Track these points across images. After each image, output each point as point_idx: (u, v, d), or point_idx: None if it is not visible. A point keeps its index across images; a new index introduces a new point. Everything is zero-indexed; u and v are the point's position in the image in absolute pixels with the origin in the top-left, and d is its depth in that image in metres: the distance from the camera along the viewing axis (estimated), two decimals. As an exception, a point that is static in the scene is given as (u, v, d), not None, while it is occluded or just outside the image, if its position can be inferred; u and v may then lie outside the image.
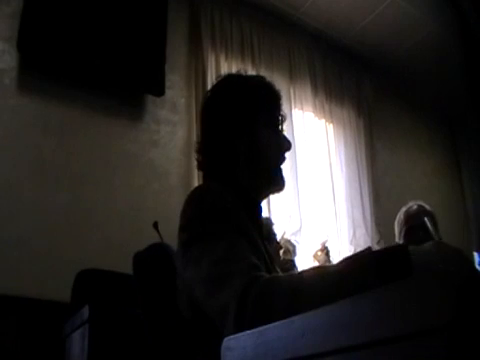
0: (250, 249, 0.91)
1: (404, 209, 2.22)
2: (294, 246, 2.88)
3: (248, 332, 0.62)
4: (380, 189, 3.82)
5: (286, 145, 1.14)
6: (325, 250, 3.08)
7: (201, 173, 1.20)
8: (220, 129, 1.11)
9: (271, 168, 1.12)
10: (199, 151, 1.16)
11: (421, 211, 2.15)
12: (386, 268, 0.67)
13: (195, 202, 1.00)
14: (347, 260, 0.77)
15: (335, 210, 3.47)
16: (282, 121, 1.18)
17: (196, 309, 0.93)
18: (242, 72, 1.26)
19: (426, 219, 2.05)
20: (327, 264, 2.51)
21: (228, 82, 1.19)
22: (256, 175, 1.10)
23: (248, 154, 1.09)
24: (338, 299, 0.48)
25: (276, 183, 1.13)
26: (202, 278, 0.87)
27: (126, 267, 1.30)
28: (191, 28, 3.18)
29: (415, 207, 2.19)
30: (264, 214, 1.46)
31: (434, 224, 2.09)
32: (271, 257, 1.08)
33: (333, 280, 0.73)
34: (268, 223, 2.55)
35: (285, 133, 1.19)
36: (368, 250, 0.78)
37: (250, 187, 1.10)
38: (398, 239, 2.19)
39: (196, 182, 2.81)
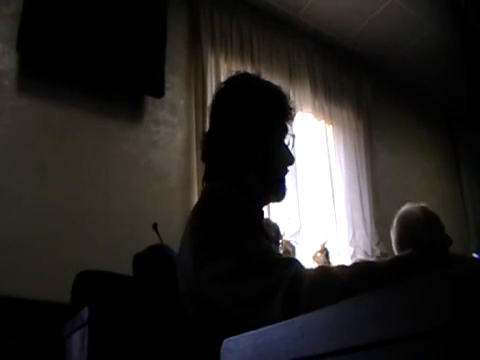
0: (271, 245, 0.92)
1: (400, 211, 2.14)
2: (293, 247, 2.88)
3: (247, 333, 0.62)
4: (380, 190, 3.81)
5: (290, 159, 1.17)
6: (324, 251, 3.08)
7: (202, 172, 1.18)
8: (240, 131, 1.10)
9: (277, 178, 1.14)
10: (206, 143, 1.16)
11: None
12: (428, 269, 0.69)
13: (211, 202, 0.99)
14: (393, 259, 0.80)
15: (334, 211, 3.46)
16: (290, 135, 1.21)
17: (201, 307, 0.93)
18: (261, 76, 1.25)
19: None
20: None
21: (250, 83, 1.18)
22: (262, 183, 1.11)
23: (262, 161, 1.10)
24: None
25: (278, 193, 1.15)
26: (231, 270, 0.86)
27: (126, 268, 1.30)
28: (191, 29, 3.18)
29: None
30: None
31: (435, 227, 2.04)
32: None
33: (379, 276, 0.75)
34: (276, 225, 2.55)
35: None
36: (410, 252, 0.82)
37: (254, 193, 1.10)
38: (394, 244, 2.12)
39: (196, 183, 2.81)
